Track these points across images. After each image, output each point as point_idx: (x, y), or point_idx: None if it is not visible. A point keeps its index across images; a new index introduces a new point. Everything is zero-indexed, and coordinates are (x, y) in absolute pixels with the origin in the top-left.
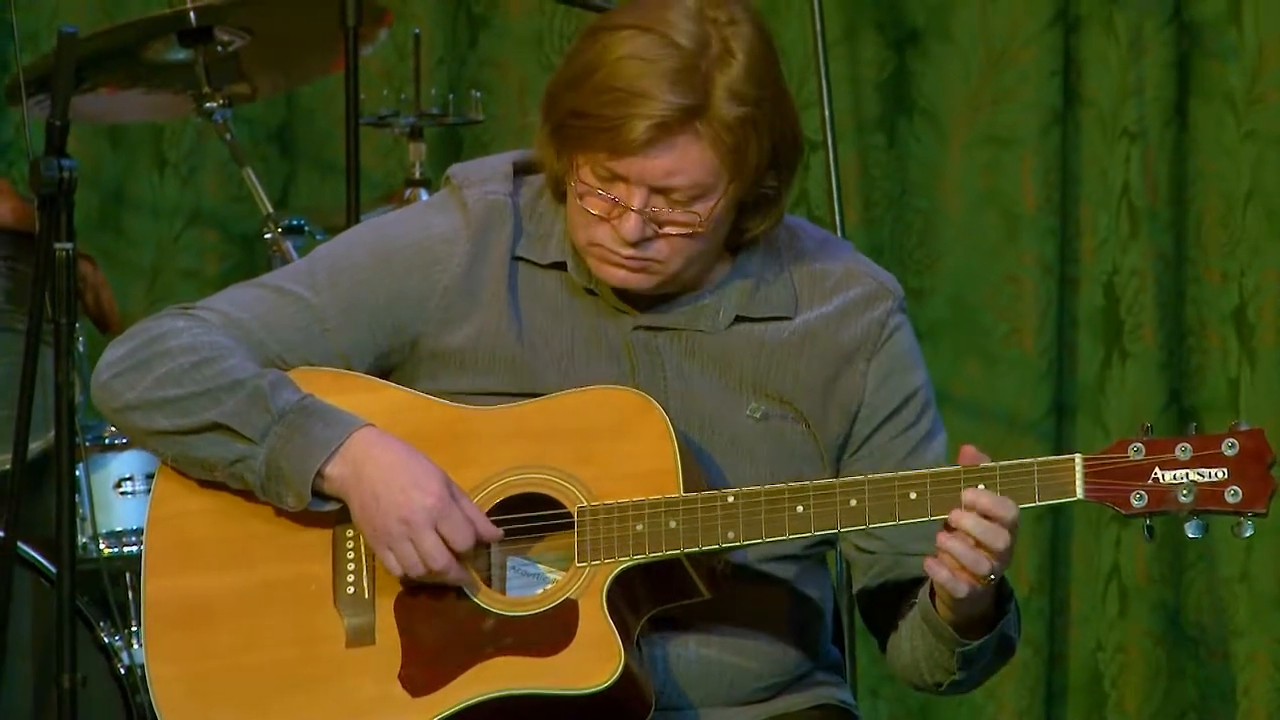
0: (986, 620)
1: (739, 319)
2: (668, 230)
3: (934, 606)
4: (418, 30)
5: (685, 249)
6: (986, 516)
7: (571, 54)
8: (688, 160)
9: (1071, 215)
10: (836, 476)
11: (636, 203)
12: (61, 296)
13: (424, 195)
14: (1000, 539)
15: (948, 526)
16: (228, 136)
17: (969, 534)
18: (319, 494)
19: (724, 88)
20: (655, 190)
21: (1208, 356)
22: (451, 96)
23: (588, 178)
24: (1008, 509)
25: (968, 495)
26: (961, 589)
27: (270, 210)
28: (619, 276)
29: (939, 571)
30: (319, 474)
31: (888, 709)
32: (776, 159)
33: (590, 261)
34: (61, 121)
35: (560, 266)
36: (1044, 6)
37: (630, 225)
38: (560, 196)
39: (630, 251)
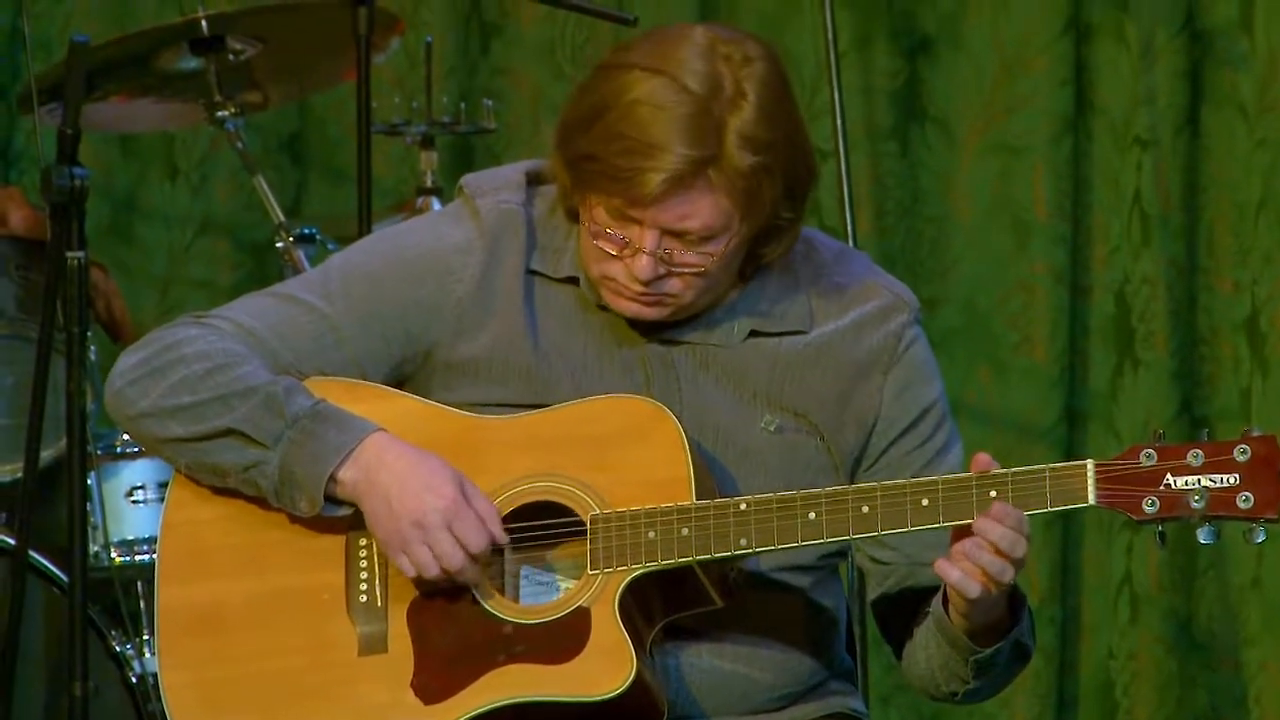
0: (1000, 627)
1: (754, 333)
2: (680, 270)
3: (947, 614)
4: (429, 38)
5: (697, 285)
6: (1010, 528)
7: (584, 88)
8: (701, 206)
9: (1083, 223)
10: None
11: (649, 245)
12: (73, 305)
13: (435, 204)
14: (1020, 547)
15: (968, 532)
16: (239, 145)
17: (996, 543)
18: (332, 499)
19: (736, 133)
20: (668, 233)
21: (1219, 365)
22: (463, 105)
23: (600, 218)
24: (1025, 524)
25: (996, 509)
26: (974, 589)
27: (282, 219)
28: (632, 309)
29: (951, 572)
30: (332, 478)
31: (899, 717)
32: (791, 193)
33: (604, 293)
34: (73, 130)
35: (574, 281)
36: (1056, 15)
37: (643, 265)
38: (574, 216)
39: (642, 289)
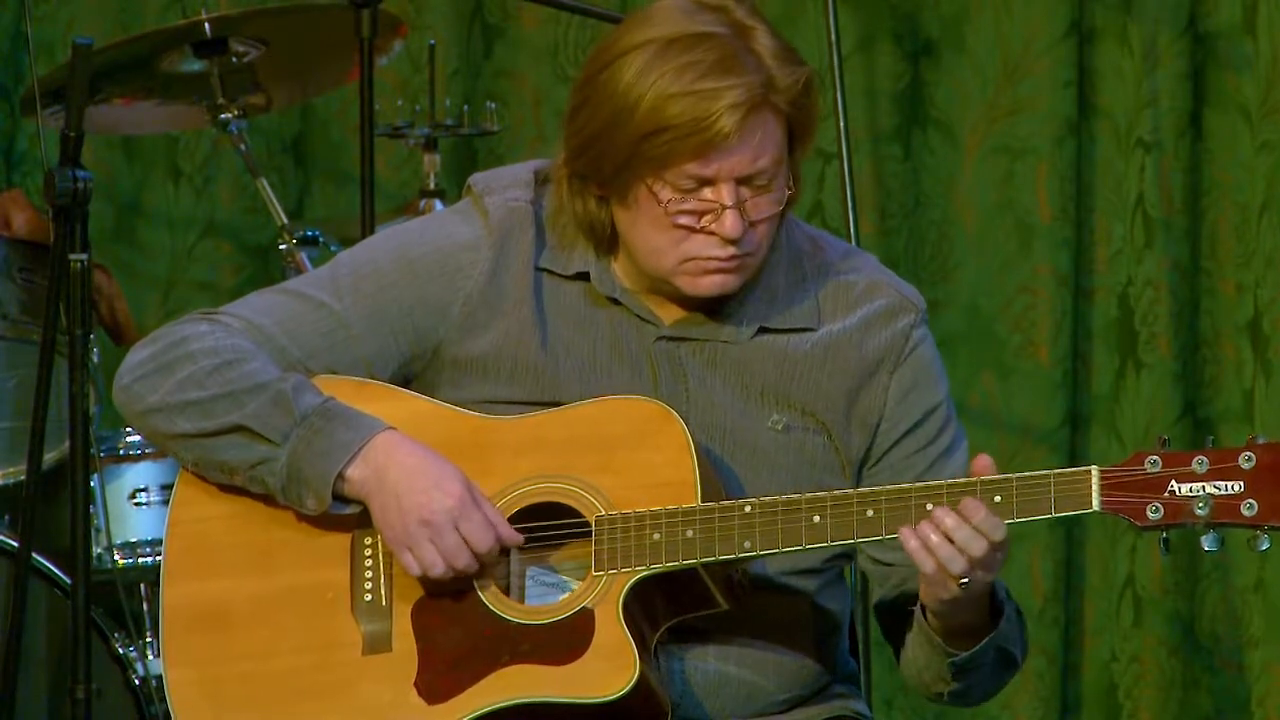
0: (977, 632)
1: (762, 330)
2: (757, 216)
3: (924, 617)
4: (433, 41)
5: (769, 232)
6: (975, 525)
7: (592, 100)
8: (771, 139)
9: (1086, 226)
10: (857, 488)
11: (729, 198)
12: (76, 307)
13: (439, 206)
14: (976, 545)
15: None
16: (242, 147)
17: (948, 531)
18: (339, 496)
19: (771, 57)
20: (741, 182)
21: (1222, 367)
22: (466, 107)
23: (671, 194)
24: (996, 530)
25: (967, 504)
26: (927, 564)
27: (285, 221)
28: (718, 283)
29: (909, 540)
30: (340, 476)
31: (902, 719)
32: (813, 126)
33: (682, 280)
34: (76, 132)
35: (583, 277)
36: (1059, 18)
37: (730, 222)
38: (596, 239)
39: (731, 251)
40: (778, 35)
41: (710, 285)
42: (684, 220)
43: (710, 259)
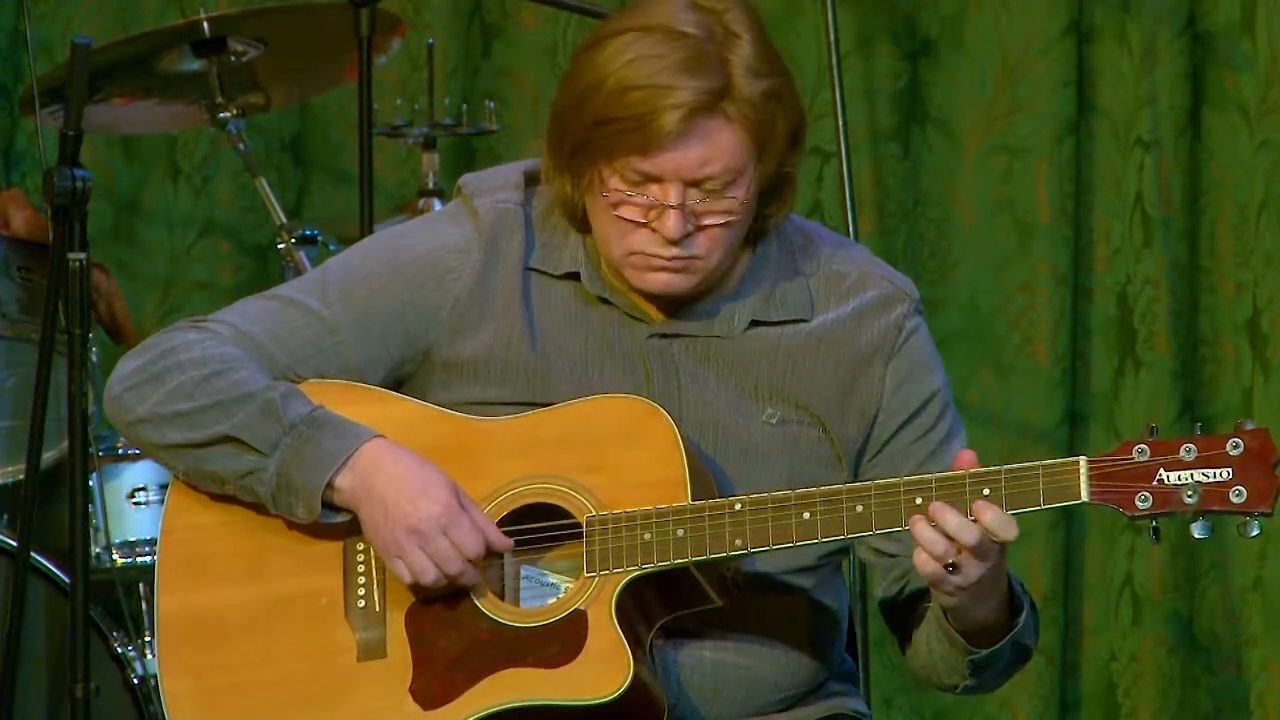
0: (998, 629)
1: (755, 323)
2: (706, 221)
3: (945, 617)
4: (431, 40)
5: (723, 240)
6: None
7: (570, 75)
8: (720, 146)
9: (1085, 225)
10: (855, 480)
11: (674, 198)
12: (74, 307)
13: (437, 205)
14: (967, 534)
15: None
16: (241, 147)
17: (943, 525)
18: (329, 505)
19: (740, 66)
20: (689, 183)
21: (1221, 366)
22: (465, 106)
23: (619, 185)
24: (1008, 530)
25: (976, 506)
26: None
27: (284, 220)
28: (661, 281)
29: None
30: (329, 485)
31: (902, 718)
32: (795, 137)
33: (629, 274)
34: (75, 132)
35: (574, 277)
36: (1057, 17)
37: (672, 223)
38: (576, 222)
39: (674, 251)
40: (763, 47)
41: (655, 283)
42: (629, 214)
43: (654, 256)
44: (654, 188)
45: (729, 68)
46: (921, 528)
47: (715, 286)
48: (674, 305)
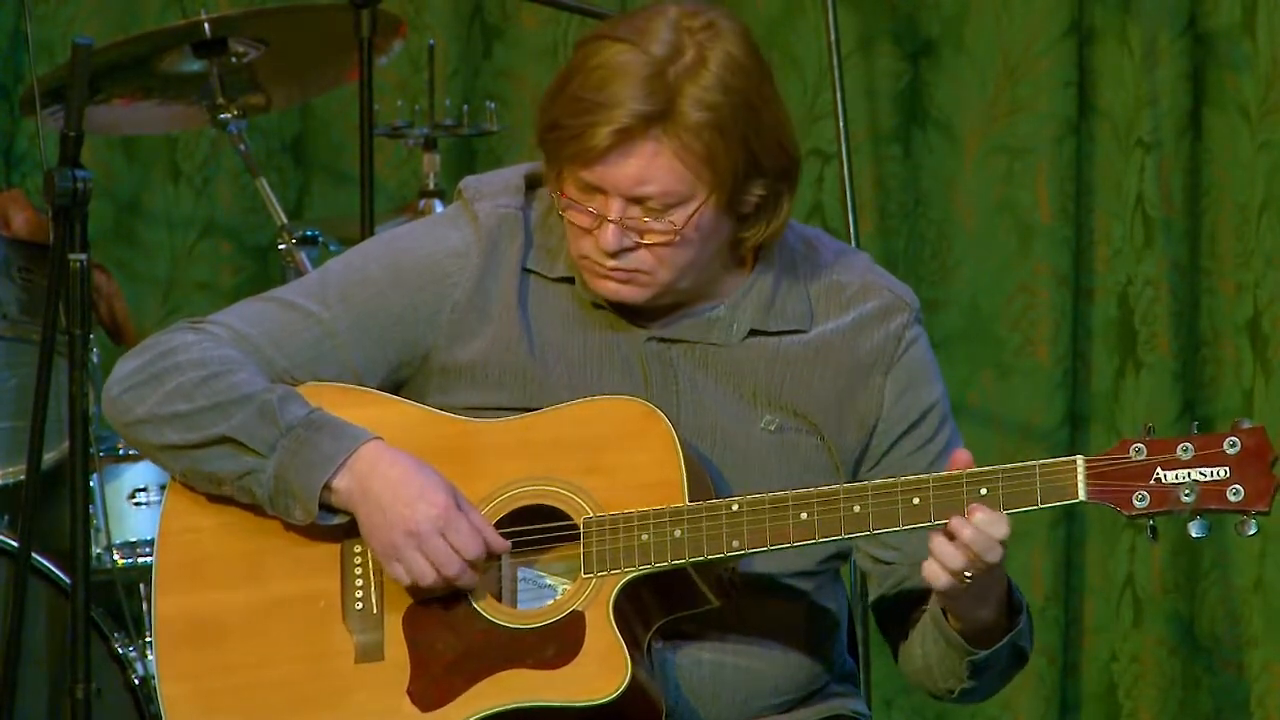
0: (996, 630)
1: (753, 332)
2: (648, 240)
3: (945, 617)
4: (432, 41)
5: (670, 258)
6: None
7: (559, 72)
8: (653, 168)
9: (1086, 226)
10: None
11: (614, 213)
12: (75, 307)
13: (438, 206)
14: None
15: (947, 534)
16: (242, 147)
17: (955, 532)
18: (326, 507)
19: (691, 96)
20: (631, 200)
21: (1222, 367)
22: (466, 107)
23: (570, 191)
24: (998, 526)
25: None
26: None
27: (284, 221)
28: (609, 289)
29: (940, 577)
30: (326, 487)
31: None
32: (759, 167)
33: (586, 276)
34: (76, 132)
35: (569, 280)
36: (1058, 18)
37: (608, 236)
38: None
39: (613, 263)
40: (730, 79)
41: (604, 289)
42: (576, 219)
43: (598, 264)
44: (599, 198)
45: (677, 95)
46: (941, 543)
47: (708, 293)
48: (670, 312)
